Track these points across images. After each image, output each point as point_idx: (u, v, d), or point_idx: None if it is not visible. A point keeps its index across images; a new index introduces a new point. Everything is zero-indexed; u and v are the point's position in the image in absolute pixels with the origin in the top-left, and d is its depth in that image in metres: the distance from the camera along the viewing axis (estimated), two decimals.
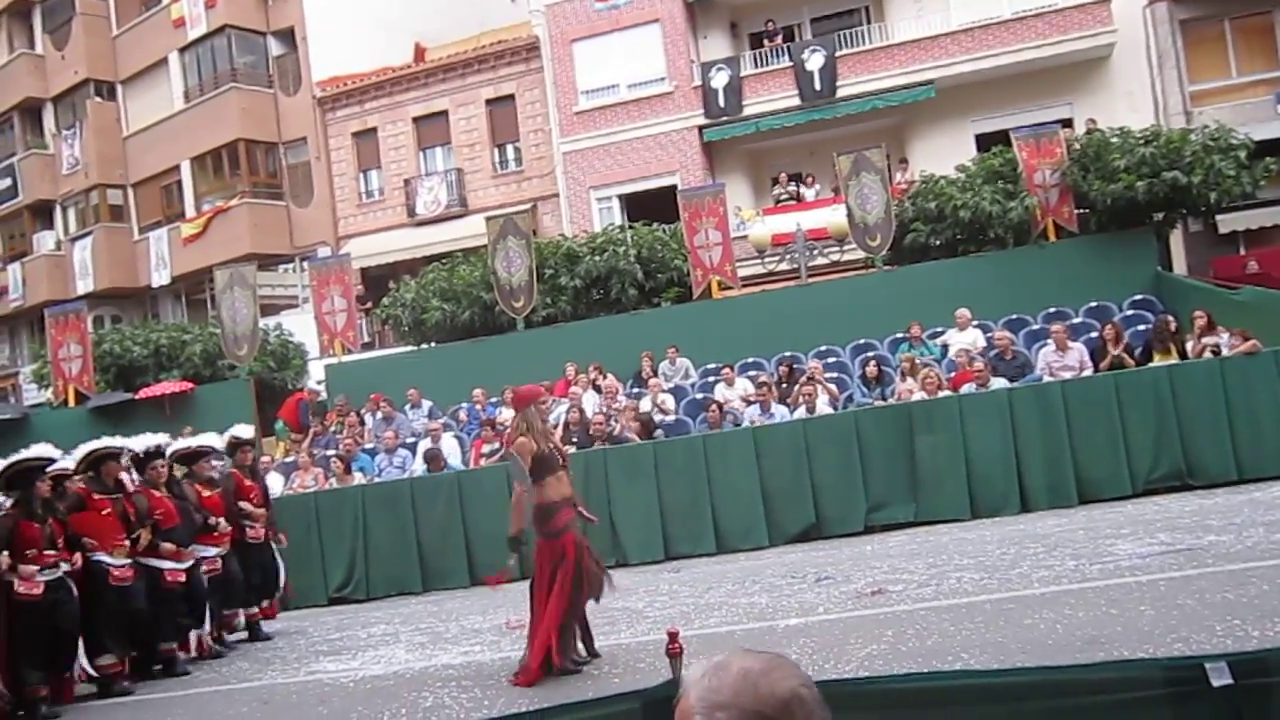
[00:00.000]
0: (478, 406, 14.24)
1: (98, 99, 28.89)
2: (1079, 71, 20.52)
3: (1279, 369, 10.27)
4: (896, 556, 8.95)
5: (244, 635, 9.63)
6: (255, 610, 9.70)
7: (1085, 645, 5.19)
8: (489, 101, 24.82)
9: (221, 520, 9.20)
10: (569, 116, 23.31)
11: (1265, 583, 5.97)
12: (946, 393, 11.23)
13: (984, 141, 19.36)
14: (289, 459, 14.36)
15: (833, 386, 12.39)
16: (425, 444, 12.89)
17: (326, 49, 26.10)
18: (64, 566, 7.64)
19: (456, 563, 11.46)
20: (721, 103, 22.02)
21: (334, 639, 9.21)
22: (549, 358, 14.32)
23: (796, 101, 21.57)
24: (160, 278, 27.72)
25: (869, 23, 22.43)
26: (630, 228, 17.27)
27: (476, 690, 6.28)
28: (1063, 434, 10.48)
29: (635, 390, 13.90)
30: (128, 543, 8.14)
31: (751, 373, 13.51)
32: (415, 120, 25.43)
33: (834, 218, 16.17)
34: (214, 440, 9.95)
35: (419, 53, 26.43)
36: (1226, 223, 17.94)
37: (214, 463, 9.85)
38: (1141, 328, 12.35)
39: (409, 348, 17.98)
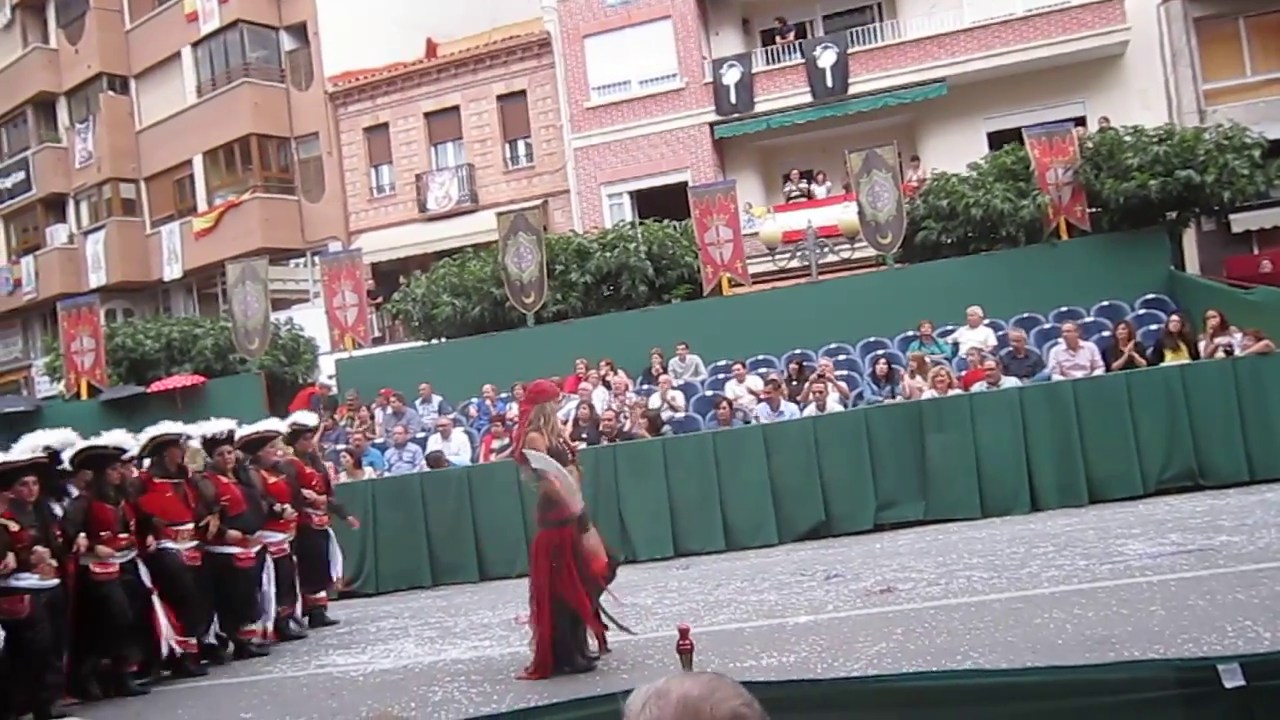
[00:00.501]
0: (488, 402, 14.26)
1: (111, 93, 28.94)
2: (1092, 69, 20.40)
3: None
4: (906, 555, 8.95)
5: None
6: (320, 595, 9.80)
7: (1095, 645, 5.18)
8: (500, 97, 24.82)
9: (287, 507, 9.20)
10: (580, 112, 23.29)
11: (1277, 584, 5.95)
12: (957, 391, 11.21)
13: (996, 139, 19.30)
14: None
15: (843, 384, 12.36)
16: (431, 442, 12.91)
17: (338, 44, 26.11)
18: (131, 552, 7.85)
19: (466, 557, 11.50)
20: (733, 99, 21.98)
21: (343, 633, 9.26)
22: (559, 354, 14.30)
23: (808, 98, 21.51)
24: (172, 271, 27.80)
25: (881, 20, 22.35)
26: (641, 224, 17.24)
27: (486, 685, 6.30)
28: (1074, 433, 10.45)
29: (645, 387, 13.90)
30: (191, 526, 8.25)
31: (761, 370, 13.50)
32: (427, 116, 25.42)
33: (845, 215, 16.13)
34: (276, 425, 10.01)
35: (431, 48, 26.46)
36: (1240, 222, 17.85)
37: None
38: (1154, 327, 12.30)
39: (419, 343, 17.99)
